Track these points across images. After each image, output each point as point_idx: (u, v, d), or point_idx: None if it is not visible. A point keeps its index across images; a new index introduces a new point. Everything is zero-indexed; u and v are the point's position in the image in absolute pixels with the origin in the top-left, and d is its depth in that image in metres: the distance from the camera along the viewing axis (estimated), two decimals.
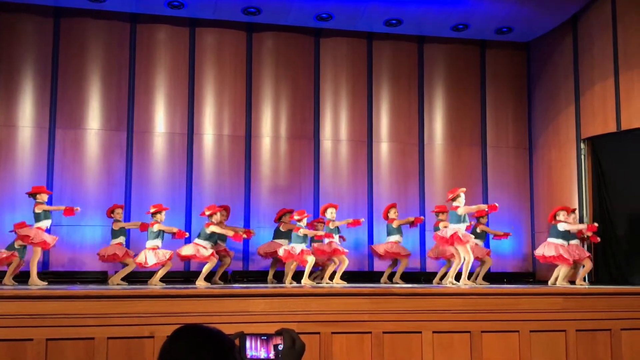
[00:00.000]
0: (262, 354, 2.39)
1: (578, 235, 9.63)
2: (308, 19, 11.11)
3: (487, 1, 10.63)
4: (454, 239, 9.03)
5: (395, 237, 10.25)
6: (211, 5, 10.61)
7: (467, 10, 10.85)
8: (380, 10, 10.81)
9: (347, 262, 9.52)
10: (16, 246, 8.78)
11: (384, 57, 11.82)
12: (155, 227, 9.09)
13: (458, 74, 12.04)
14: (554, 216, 9.49)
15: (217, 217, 9.36)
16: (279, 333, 2.41)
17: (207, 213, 9.31)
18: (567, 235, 9.38)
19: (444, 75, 12.01)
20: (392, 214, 10.36)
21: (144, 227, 9.25)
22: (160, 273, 8.98)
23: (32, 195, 9.00)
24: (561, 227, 9.33)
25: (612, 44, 10.32)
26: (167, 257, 8.98)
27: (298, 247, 9.18)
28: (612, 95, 10.28)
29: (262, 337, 2.40)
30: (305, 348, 2.39)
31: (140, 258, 8.95)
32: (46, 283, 8.80)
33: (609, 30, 10.38)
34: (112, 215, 9.58)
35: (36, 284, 8.63)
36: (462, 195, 9.24)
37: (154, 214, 9.19)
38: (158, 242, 9.09)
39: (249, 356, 2.37)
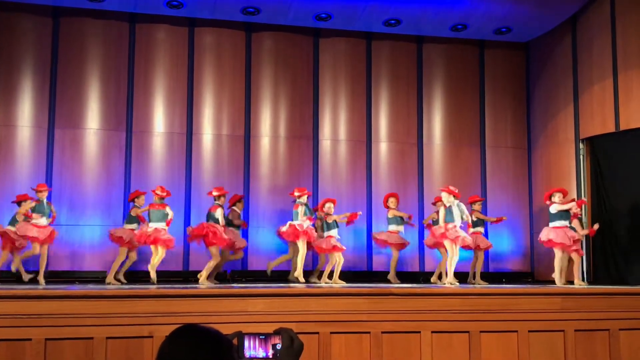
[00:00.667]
0: (261, 354, 2.39)
1: (573, 217, 9.68)
2: (307, 19, 11.11)
3: (486, 1, 10.64)
4: (444, 233, 9.26)
5: (393, 227, 10.28)
6: (210, 5, 10.61)
7: (466, 11, 10.85)
8: (379, 10, 10.81)
9: (342, 260, 9.52)
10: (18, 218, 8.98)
11: (382, 57, 11.82)
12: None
13: (457, 74, 12.04)
14: (550, 197, 9.59)
15: (222, 199, 9.60)
16: (277, 332, 2.41)
17: (215, 194, 9.64)
18: (564, 216, 9.47)
19: (443, 75, 12.01)
20: (390, 203, 10.39)
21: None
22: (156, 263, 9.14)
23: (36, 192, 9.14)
24: (552, 209, 9.47)
25: (611, 44, 10.33)
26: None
27: (299, 224, 9.26)
28: (610, 96, 10.29)
29: (261, 337, 2.40)
30: (304, 348, 2.39)
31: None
32: (30, 276, 8.94)
33: (608, 30, 10.39)
34: (134, 201, 9.74)
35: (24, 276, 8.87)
36: (445, 195, 9.43)
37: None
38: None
39: (247, 356, 2.37)
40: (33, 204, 9.02)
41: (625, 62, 10.11)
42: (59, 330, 5.73)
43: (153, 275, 9.15)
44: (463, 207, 9.44)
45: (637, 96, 9.91)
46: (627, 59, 10.08)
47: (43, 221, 9.02)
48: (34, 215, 8.99)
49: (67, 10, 10.63)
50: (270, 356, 2.37)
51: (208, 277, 9.37)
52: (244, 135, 11.21)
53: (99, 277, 10.02)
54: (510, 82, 12.25)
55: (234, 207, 10.18)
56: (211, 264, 9.26)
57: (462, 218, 9.35)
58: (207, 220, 9.43)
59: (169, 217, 9.41)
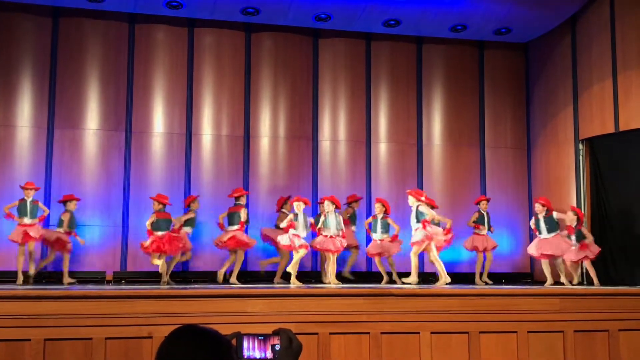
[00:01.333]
0: (259, 354, 2.38)
1: (570, 232, 9.79)
2: (307, 19, 11.10)
3: (486, 2, 10.63)
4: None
5: (377, 235, 10.18)
6: (210, 6, 10.60)
7: (465, 11, 10.85)
8: (378, 10, 10.81)
9: (332, 260, 9.52)
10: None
11: (382, 57, 11.82)
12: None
13: (456, 74, 12.04)
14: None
15: (243, 200, 9.88)
16: (276, 333, 2.41)
17: (236, 195, 9.83)
18: (539, 226, 9.88)
19: (443, 75, 12.01)
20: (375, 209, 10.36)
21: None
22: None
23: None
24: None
25: (610, 45, 10.33)
26: None
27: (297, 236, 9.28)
28: (610, 96, 10.29)
29: (259, 337, 2.40)
30: (303, 348, 2.39)
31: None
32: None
33: (608, 31, 10.39)
34: (190, 205, 9.87)
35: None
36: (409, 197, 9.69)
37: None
38: None
39: (245, 356, 2.37)
40: (17, 202, 9.12)
41: (624, 63, 10.11)
42: (58, 330, 5.73)
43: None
44: (423, 209, 9.43)
45: (637, 97, 9.91)
46: (627, 60, 10.08)
47: (26, 221, 9.03)
48: (16, 216, 9.02)
49: (66, 10, 10.62)
50: (269, 357, 2.37)
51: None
52: (244, 136, 11.21)
53: (98, 278, 10.03)
54: (510, 82, 12.25)
55: (283, 210, 10.20)
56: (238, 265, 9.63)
57: (417, 219, 9.43)
58: (230, 222, 9.64)
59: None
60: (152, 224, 9.25)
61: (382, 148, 11.69)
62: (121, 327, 5.86)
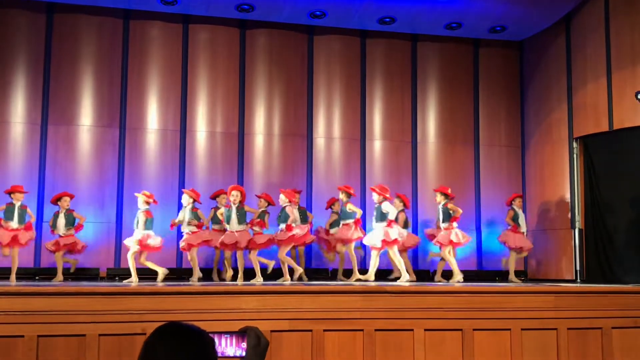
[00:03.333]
0: (228, 352, 2.40)
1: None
2: (301, 16, 11.09)
3: (481, 0, 10.64)
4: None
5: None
6: (204, 2, 10.58)
7: (460, 9, 10.86)
8: (373, 8, 10.81)
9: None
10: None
11: (377, 55, 11.82)
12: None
13: (451, 72, 12.05)
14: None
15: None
16: (243, 331, 2.42)
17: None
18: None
19: (437, 73, 12.02)
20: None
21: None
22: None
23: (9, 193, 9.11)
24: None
25: (604, 44, 10.36)
26: None
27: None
28: (604, 95, 10.31)
29: (225, 335, 2.42)
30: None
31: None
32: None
33: (602, 29, 10.41)
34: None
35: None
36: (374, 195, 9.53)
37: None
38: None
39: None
40: (4, 207, 9.00)
41: (618, 61, 10.13)
42: (51, 327, 5.72)
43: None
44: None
45: (631, 95, 9.93)
46: (621, 58, 10.10)
47: (13, 225, 8.92)
48: (2, 220, 8.94)
49: (61, 6, 10.58)
50: (236, 354, 2.38)
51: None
52: (238, 133, 11.19)
53: (92, 274, 10.00)
54: (505, 80, 12.26)
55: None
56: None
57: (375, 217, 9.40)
58: (281, 220, 9.29)
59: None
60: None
61: (376, 146, 11.69)
62: (115, 323, 5.84)
